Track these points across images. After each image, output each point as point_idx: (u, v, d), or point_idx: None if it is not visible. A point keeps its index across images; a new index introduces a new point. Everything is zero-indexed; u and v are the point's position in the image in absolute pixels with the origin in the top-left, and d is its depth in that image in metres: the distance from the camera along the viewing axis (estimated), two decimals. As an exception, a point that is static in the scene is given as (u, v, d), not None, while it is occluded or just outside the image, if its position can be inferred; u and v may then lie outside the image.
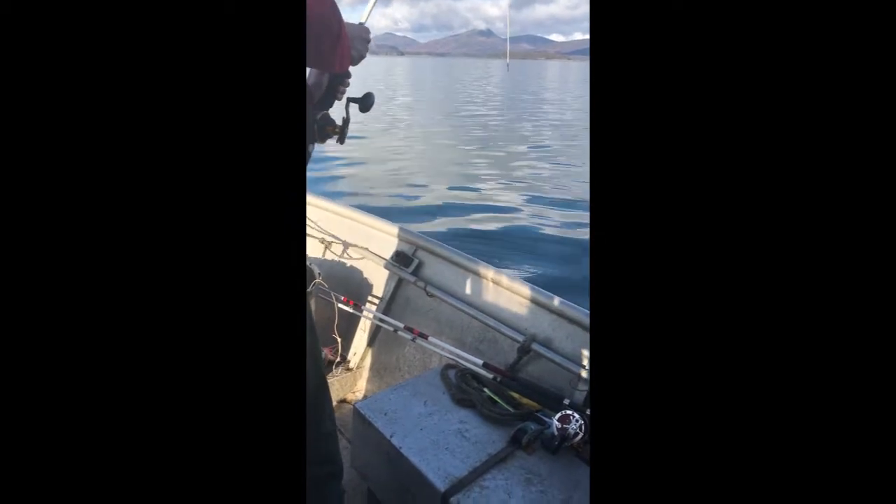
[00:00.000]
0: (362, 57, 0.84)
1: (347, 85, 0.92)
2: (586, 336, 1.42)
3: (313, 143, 0.87)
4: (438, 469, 1.01)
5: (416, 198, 6.05)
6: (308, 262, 1.69)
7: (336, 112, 0.92)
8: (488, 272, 1.67)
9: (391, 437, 1.08)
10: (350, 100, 0.91)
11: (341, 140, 0.91)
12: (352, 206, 2.17)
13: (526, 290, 1.57)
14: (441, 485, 0.97)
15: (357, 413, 1.17)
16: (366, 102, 0.91)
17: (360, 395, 1.88)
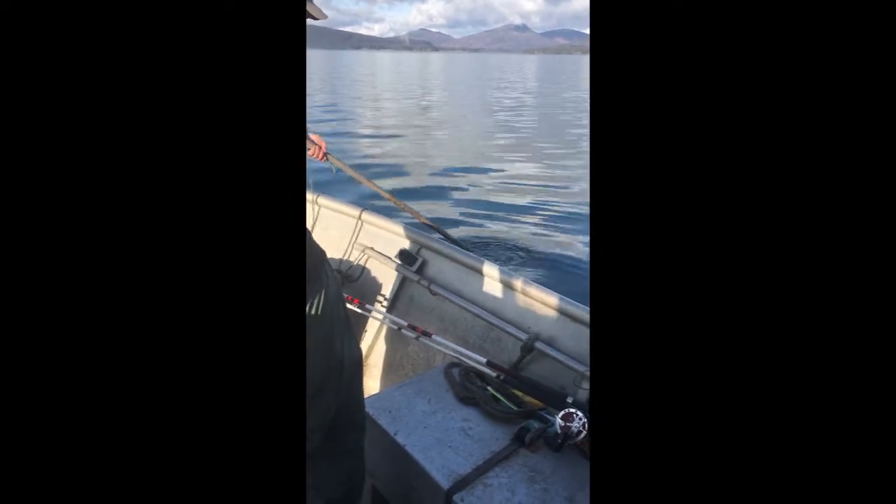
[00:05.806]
0: None
1: None
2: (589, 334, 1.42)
3: None
4: (442, 467, 1.01)
5: (449, 194, 5.65)
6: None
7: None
8: (492, 270, 1.67)
9: (395, 434, 1.09)
10: None
11: None
12: (354, 203, 2.18)
13: (529, 288, 1.57)
14: (445, 482, 0.97)
15: None
16: None
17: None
